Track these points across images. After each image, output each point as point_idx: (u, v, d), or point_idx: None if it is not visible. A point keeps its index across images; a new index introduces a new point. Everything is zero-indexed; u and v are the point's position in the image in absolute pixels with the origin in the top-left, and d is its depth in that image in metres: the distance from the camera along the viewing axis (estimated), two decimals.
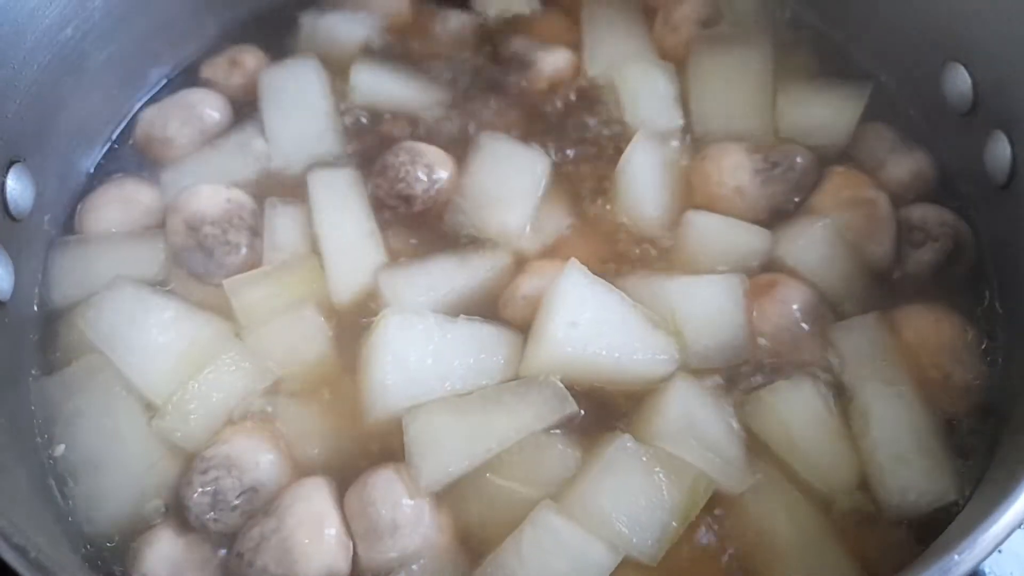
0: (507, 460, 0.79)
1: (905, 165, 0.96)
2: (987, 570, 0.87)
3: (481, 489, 0.79)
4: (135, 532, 0.78)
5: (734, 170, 0.94)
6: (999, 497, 0.64)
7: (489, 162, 0.98)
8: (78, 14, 0.93)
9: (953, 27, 0.92)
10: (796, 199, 0.95)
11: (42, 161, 0.91)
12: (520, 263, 0.93)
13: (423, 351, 0.83)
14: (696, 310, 0.86)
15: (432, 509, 0.77)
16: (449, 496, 0.79)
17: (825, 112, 1.00)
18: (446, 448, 0.79)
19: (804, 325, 0.86)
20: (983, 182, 0.90)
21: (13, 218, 0.86)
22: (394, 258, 0.93)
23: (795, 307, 0.86)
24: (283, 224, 0.94)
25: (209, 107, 1.02)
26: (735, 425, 0.82)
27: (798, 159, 0.95)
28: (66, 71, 0.93)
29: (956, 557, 0.61)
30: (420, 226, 0.95)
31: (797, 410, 0.82)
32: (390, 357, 0.82)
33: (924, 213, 0.92)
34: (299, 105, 1.02)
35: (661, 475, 0.78)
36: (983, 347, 0.86)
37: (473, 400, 0.81)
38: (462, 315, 0.87)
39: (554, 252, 0.93)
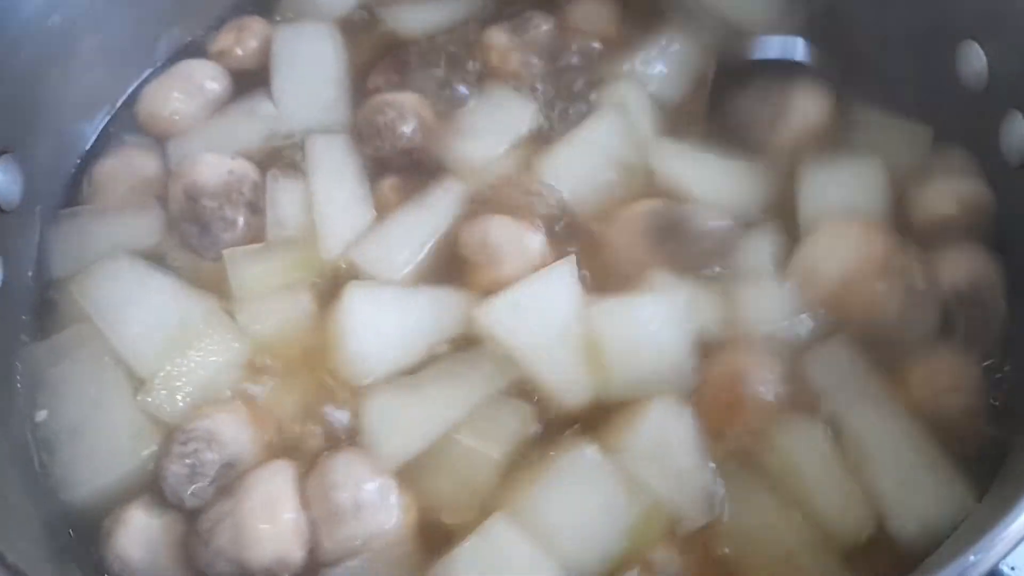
0: (464, 429, 0.78)
1: (948, 197, 0.86)
2: None
3: (442, 461, 0.77)
4: (111, 506, 0.77)
5: (630, 220, 0.88)
6: (1015, 493, 0.60)
7: (483, 106, 0.98)
8: (64, 1, 0.91)
9: (966, 3, 0.87)
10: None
11: (32, 151, 0.89)
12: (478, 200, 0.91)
13: (388, 318, 0.83)
14: (624, 337, 0.81)
15: (395, 489, 0.75)
16: (410, 473, 0.77)
17: (849, 193, 0.89)
18: (404, 425, 0.78)
19: (783, 389, 0.79)
20: (998, 163, 0.85)
21: (2, 209, 0.85)
22: (383, 210, 0.92)
23: (769, 381, 0.78)
24: (286, 197, 0.92)
25: (209, 78, 1.01)
26: (711, 463, 0.77)
27: (701, 221, 0.87)
28: (54, 59, 0.91)
29: (972, 558, 0.57)
30: (408, 170, 0.95)
31: (802, 447, 0.76)
32: (358, 325, 0.82)
33: (954, 274, 0.82)
34: (311, 71, 1.01)
35: (620, 494, 0.74)
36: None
37: (427, 375, 0.80)
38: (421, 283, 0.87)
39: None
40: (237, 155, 0.93)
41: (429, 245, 0.89)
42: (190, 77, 1.00)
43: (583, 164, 0.93)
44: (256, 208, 0.91)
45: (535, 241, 0.87)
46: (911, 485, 0.74)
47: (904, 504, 0.73)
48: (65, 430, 0.81)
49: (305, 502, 0.75)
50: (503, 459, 0.77)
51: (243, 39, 1.04)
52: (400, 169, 0.94)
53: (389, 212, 0.92)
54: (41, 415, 0.82)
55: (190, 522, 0.76)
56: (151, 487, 0.77)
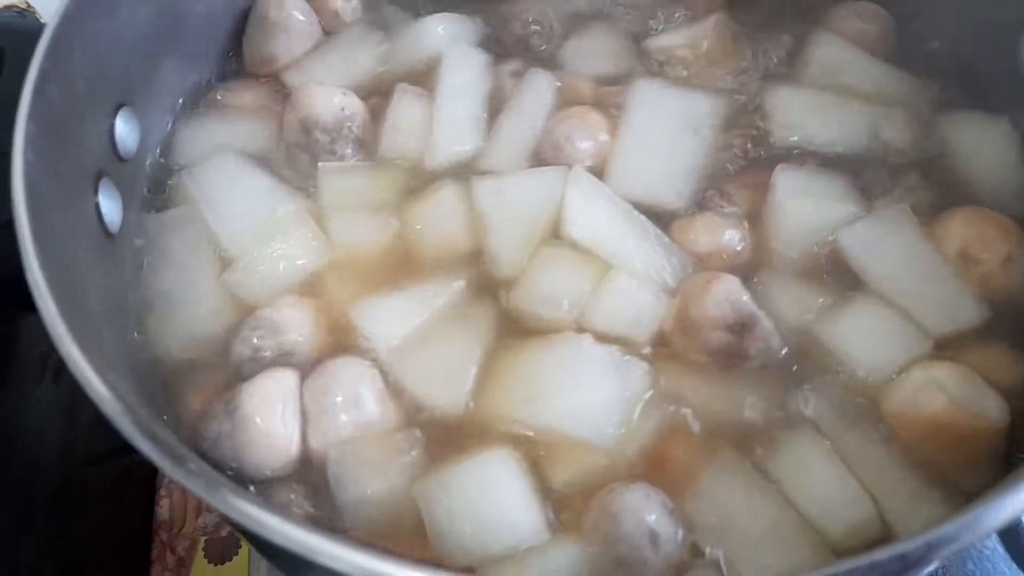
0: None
1: None
2: None
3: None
4: (186, 368, 0.86)
5: None
6: None
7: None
8: None
9: None
10: None
11: (148, 103, 0.96)
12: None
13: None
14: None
15: (389, 393, 0.81)
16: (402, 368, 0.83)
17: None
18: (391, 310, 0.86)
19: None
20: None
21: (121, 159, 0.90)
22: (499, 97, 1.01)
23: None
24: (408, 110, 1.00)
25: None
26: None
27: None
28: (172, 18, 0.98)
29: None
30: (528, 60, 1.05)
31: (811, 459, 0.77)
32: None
33: None
34: None
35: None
36: None
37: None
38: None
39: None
40: (349, 91, 0.99)
41: (530, 147, 0.97)
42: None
43: None
44: (362, 143, 0.98)
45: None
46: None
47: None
48: (161, 294, 0.90)
49: (302, 406, 0.80)
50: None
51: None
52: (521, 58, 1.05)
53: (504, 101, 1.00)
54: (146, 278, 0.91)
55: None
56: (222, 359, 0.86)
